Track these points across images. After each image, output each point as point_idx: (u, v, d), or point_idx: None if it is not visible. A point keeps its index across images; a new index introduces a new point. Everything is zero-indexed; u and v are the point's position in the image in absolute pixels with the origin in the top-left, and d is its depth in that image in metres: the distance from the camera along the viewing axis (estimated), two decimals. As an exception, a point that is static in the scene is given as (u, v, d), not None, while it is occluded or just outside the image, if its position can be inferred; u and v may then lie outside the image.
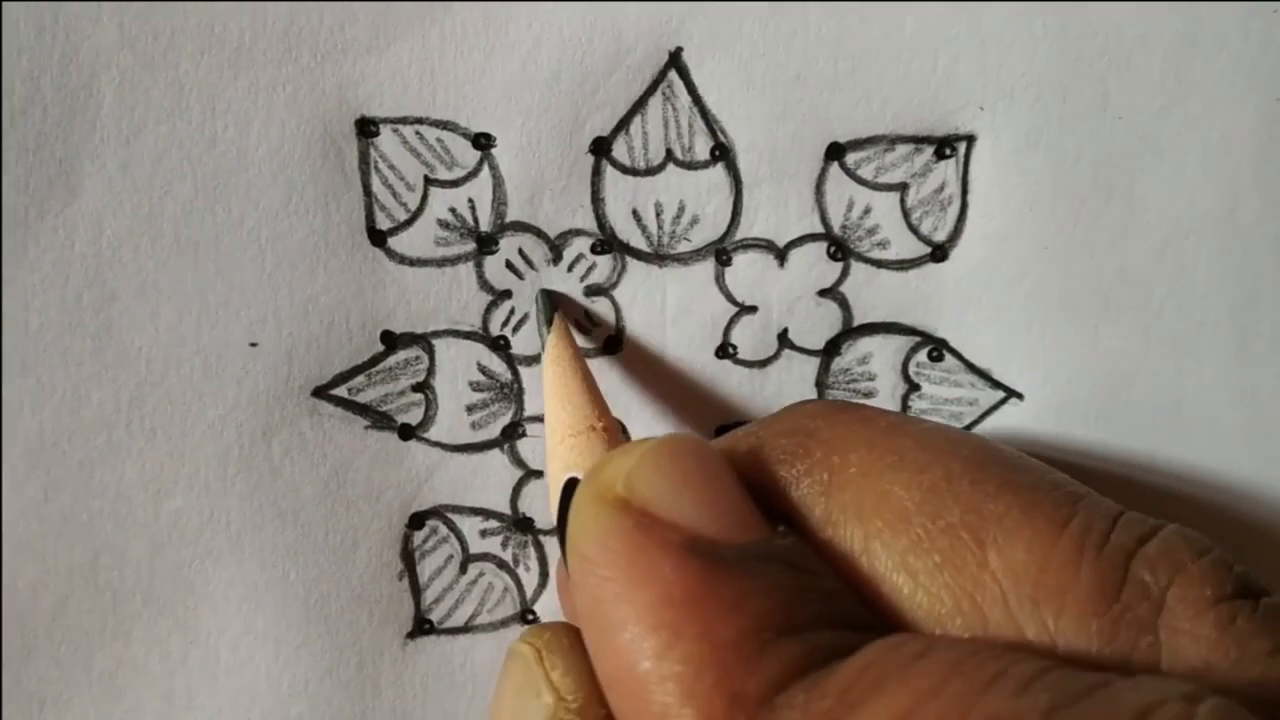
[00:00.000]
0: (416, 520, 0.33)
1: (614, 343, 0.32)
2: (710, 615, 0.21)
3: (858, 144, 0.32)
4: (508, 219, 0.31)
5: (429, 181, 0.31)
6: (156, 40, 0.29)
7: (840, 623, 0.22)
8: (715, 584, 0.22)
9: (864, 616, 0.23)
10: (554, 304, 0.32)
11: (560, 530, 0.27)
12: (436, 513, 0.33)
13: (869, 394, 0.33)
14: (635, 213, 0.32)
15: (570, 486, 0.27)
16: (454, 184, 0.31)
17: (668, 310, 0.32)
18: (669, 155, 0.32)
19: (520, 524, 0.33)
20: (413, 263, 0.31)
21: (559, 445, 0.28)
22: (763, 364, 0.33)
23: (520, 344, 0.32)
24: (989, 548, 0.22)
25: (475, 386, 0.32)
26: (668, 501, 0.23)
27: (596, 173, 0.31)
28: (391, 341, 0.32)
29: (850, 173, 0.32)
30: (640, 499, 0.23)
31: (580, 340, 0.32)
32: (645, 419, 0.33)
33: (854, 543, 0.23)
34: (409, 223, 0.31)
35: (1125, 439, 0.34)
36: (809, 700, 0.20)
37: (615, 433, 0.29)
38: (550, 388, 0.30)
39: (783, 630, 0.21)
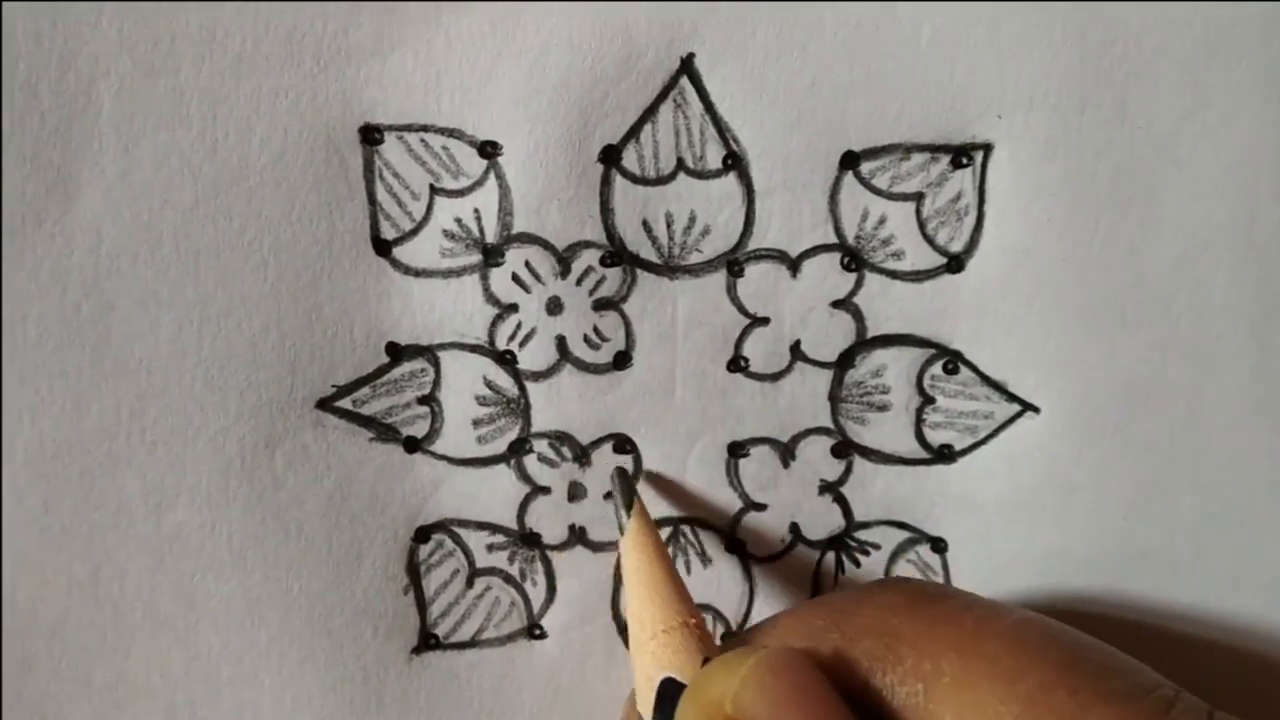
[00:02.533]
0: (422, 534, 0.32)
1: (623, 357, 0.32)
2: None
3: (873, 153, 0.31)
4: (514, 230, 0.31)
5: (434, 190, 0.31)
6: (156, 46, 0.29)
7: None
8: None
9: None
10: (631, 485, 0.32)
11: None
12: (443, 526, 0.32)
13: (883, 407, 0.33)
14: (645, 223, 0.31)
15: (667, 687, 0.27)
16: (460, 193, 0.31)
17: (679, 323, 0.32)
18: (680, 164, 0.31)
19: (527, 539, 0.33)
20: (418, 273, 0.31)
21: (650, 640, 0.28)
22: (775, 377, 0.32)
23: (527, 359, 0.32)
24: None
25: (481, 401, 0.32)
26: None
27: (606, 182, 0.31)
28: (396, 353, 0.31)
29: (865, 182, 0.31)
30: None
31: (590, 355, 0.32)
32: (657, 434, 0.32)
33: None
34: (414, 232, 0.31)
35: (1141, 452, 0.33)
36: None
37: (705, 629, 0.29)
38: (635, 576, 0.30)
39: None
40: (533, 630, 0.33)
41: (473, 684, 0.33)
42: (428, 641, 0.33)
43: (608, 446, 0.32)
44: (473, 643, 0.33)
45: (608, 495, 0.33)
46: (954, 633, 0.25)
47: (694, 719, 0.24)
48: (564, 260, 0.31)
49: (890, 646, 0.25)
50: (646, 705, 0.28)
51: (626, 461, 0.32)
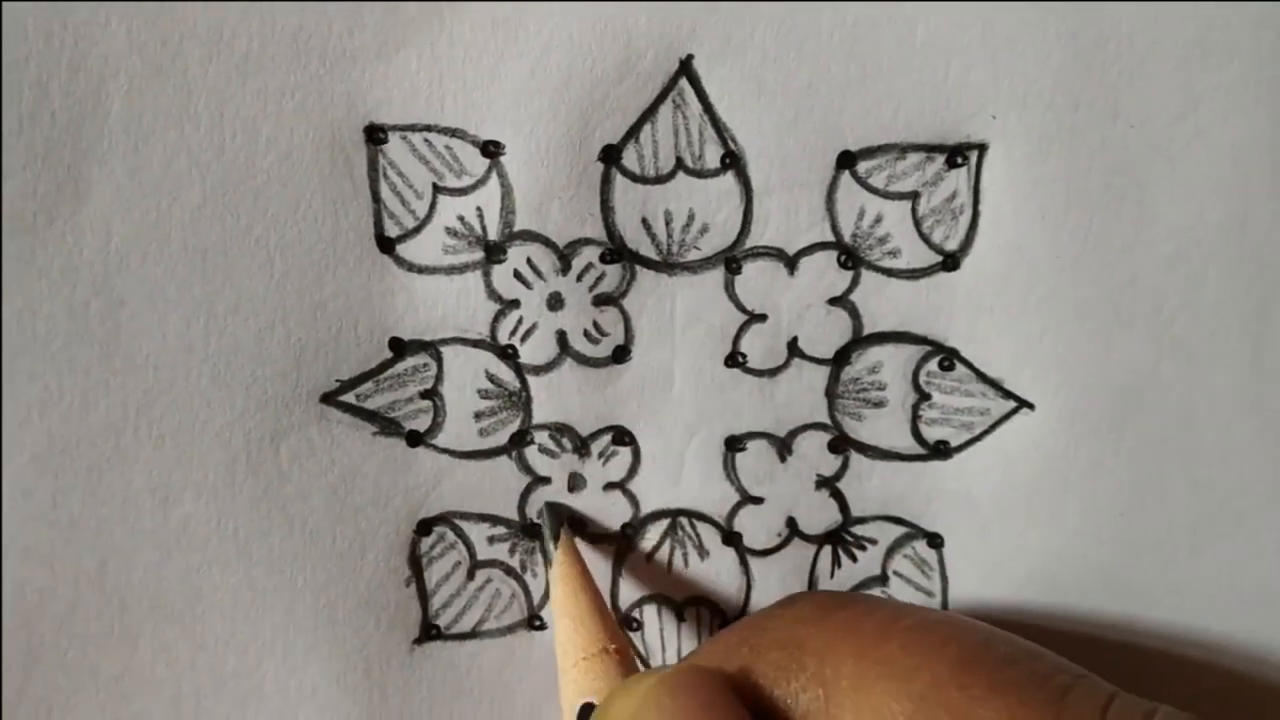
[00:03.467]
0: (424, 526, 0.32)
1: (623, 352, 0.32)
2: None
3: (869, 152, 0.32)
4: (516, 227, 0.31)
5: (437, 189, 0.31)
6: (165, 46, 0.29)
7: None
8: None
9: None
10: (560, 518, 0.32)
11: None
12: (444, 519, 0.33)
13: (879, 403, 0.33)
14: (645, 221, 0.32)
15: (585, 712, 0.28)
16: (462, 192, 0.31)
17: (677, 319, 0.32)
18: (679, 163, 0.31)
19: (528, 530, 0.33)
20: (421, 270, 0.31)
21: (572, 668, 0.29)
22: (772, 373, 0.33)
23: (528, 353, 0.32)
24: None
25: (483, 394, 0.32)
26: None
27: (606, 181, 0.31)
28: (400, 348, 0.32)
29: (861, 181, 0.32)
30: None
31: (590, 350, 0.32)
32: (655, 427, 0.33)
33: None
34: (417, 230, 0.31)
35: (1136, 449, 0.33)
36: None
37: (627, 654, 0.29)
38: (561, 606, 0.30)
39: None
40: (533, 621, 0.33)
41: (473, 674, 0.33)
42: (429, 632, 0.33)
43: (607, 438, 0.33)
44: (474, 634, 0.33)
45: (608, 486, 0.33)
46: (855, 637, 0.25)
47: None
48: (565, 257, 0.32)
49: (795, 656, 0.26)
50: None
51: (625, 453, 0.33)
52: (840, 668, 0.25)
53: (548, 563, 0.31)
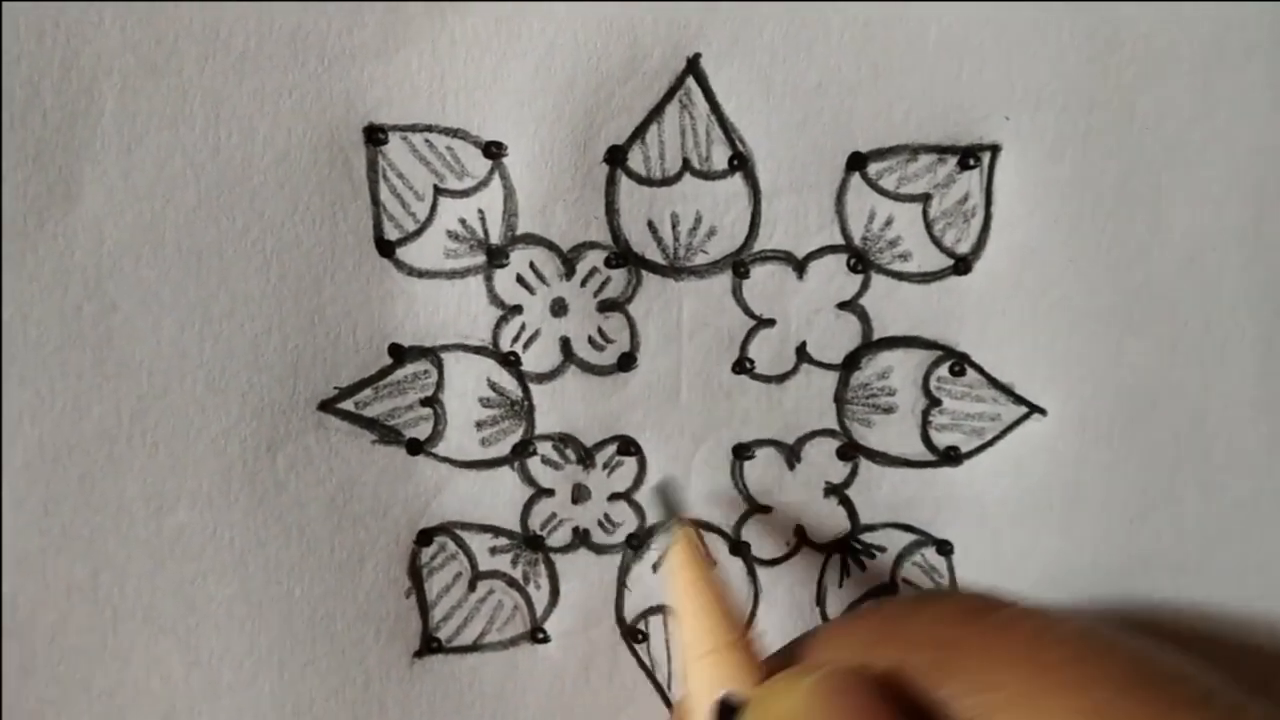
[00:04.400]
0: (424, 537, 0.32)
1: (628, 359, 0.32)
2: None
3: (880, 154, 0.31)
4: (519, 231, 0.31)
5: (438, 191, 0.30)
6: (159, 45, 0.29)
7: None
8: None
9: None
10: (671, 498, 0.31)
11: None
12: (445, 529, 0.32)
13: (889, 409, 0.33)
14: (651, 224, 0.31)
15: (725, 706, 0.27)
16: (464, 194, 0.30)
17: (684, 324, 0.32)
18: (686, 165, 0.31)
19: (531, 541, 0.32)
20: (421, 274, 0.31)
21: (701, 659, 0.28)
22: (781, 378, 0.32)
23: (531, 360, 0.31)
24: None
25: (485, 403, 0.32)
26: None
27: (611, 183, 0.31)
28: (399, 355, 0.31)
29: (872, 183, 0.31)
30: None
31: (594, 357, 0.32)
32: (662, 436, 0.32)
33: None
34: (418, 233, 0.31)
35: (1148, 455, 0.33)
36: None
37: (755, 647, 0.28)
38: (685, 595, 0.29)
39: None
40: (535, 634, 0.33)
41: (475, 688, 0.33)
42: (430, 645, 0.32)
43: (612, 448, 0.32)
44: (475, 646, 0.33)
45: (612, 497, 0.32)
46: (1011, 643, 0.25)
47: None
48: (569, 261, 0.31)
49: (948, 659, 0.25)
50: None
51: (631, 463, 0.32)
52: (1000, 675, 0.24)
53: (666, 548, 0.30)
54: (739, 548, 0.33)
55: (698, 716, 0.28)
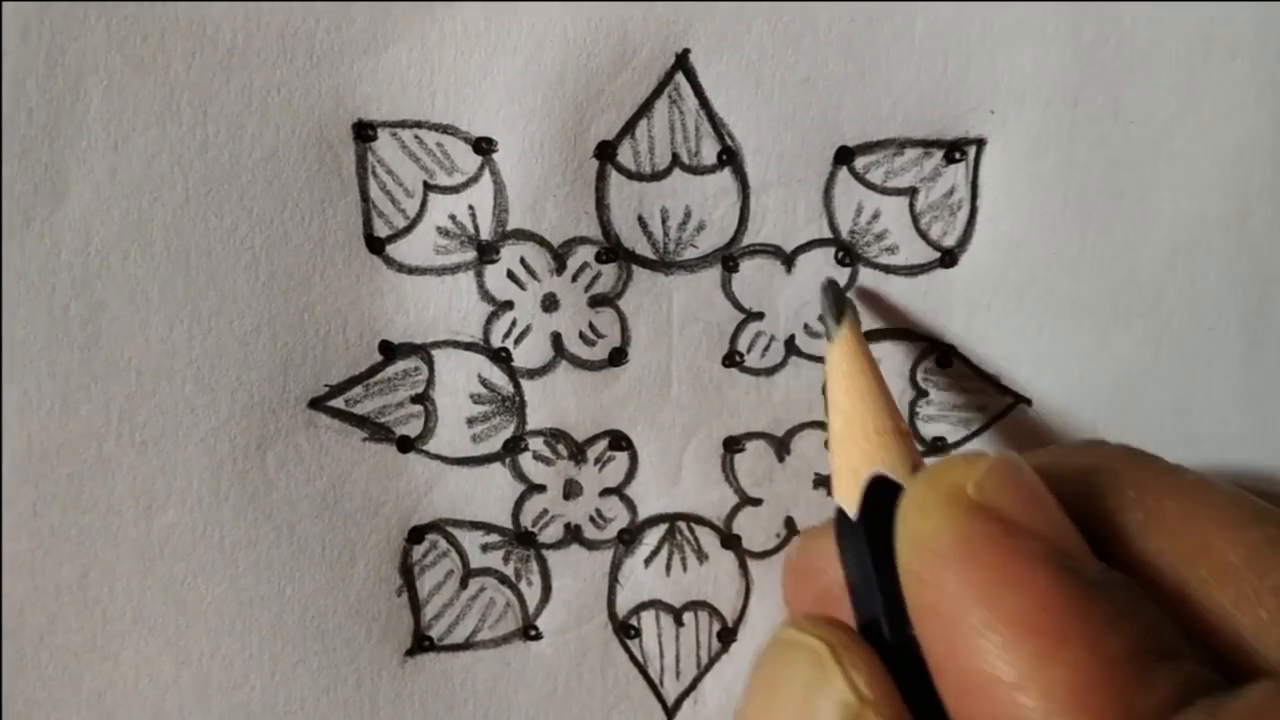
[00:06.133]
0: (416, 534, 0.32)
1: (619, 354, 0.32)
2: (1095, 629, 0.22)
3: (867, 147, 0.31)
4: (509, 227, 0.31)
5: (428, 187, 0.30)
6: (146, 41, 0.28)
7: (1194, 658, 0.23)
8: (1093, 599, 0.22)
9: (1202, 655, 0.23)
10: (842, 294, 0.31)
11: (870, 523, 0.27)
12: (436, 527, 0.32)
13: (876, 402, 0.33)
14: (641, 219, 0.31)
15: (878, 483, 0.27)
16: (454, 190, 0.30)
17: (674, 318, 0.32)
18: (675, 159, 0.31)
19: (522, 538, 0.32)
20: (411, 271, 0.31)
21: (861, 440, 0.28)
22: (770, 371, 0.32)
23: (522, 356, 0.31)
24: None
25: (476, 399, 0.32)
26: (1022, 514, 0.24)
27: (601, 178, 0.31)
28: (390, 352, 0.31)
29: (859, 177, 0.31)
30: (994, 507, 0.24)
31: (585, 352, 0.32)
32: (653, 430, 0.32)
33: (1172, 586, 0.24)
34: (408, 230, 0.30)
35: (1132, 444, 0.33)
36: None
37: (913, 440, 0.29)
38: (847, 381, 0.29)
39: (1161, 656, 0.22)
40: (528, 631, 0.33)
41: (467, 686, 0.33)
42: (422, 644, 0.32)
43: (604, 443, 0.32)
44: (467, 644, 0.32)
45: (604, 492, 0.32)
46: (1176, 481, 0.26)
47: (939, 503, 0.24)
48: (559, 257, 0.31)
49: (1113, 483, 0.26)
50: (851, 499, 0.27)
51: (622, 458, 0.32)
52: (1165, 501, 0.25)
53: (830, 339, 0.30)
54: (730, 540, 0.33)
55: (844, 489, 0.28)
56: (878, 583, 0.26)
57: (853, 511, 0.27)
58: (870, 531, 0.26)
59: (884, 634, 0.25)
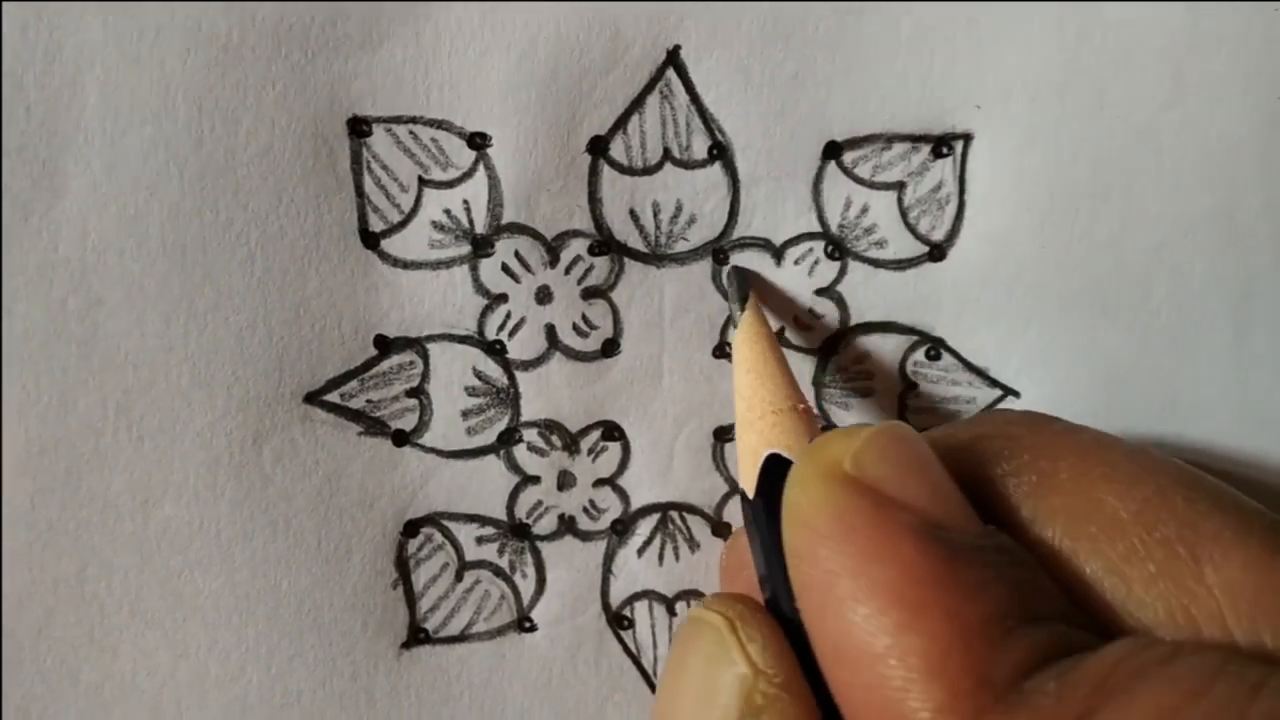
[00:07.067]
0: (411, 528, 0.32)
1: (612, 345, 0.32)
2: (956, 597, 0.22)
3: (855, 142, 0.32)
4: (504, 220, 0.31)
5: (423, 182, 0.31)
6: (142, 37, 0.29)
7: (1067, 618, 0.23)
8: (957, 567, 0.22)
9: (1080, 616, 0.23)
10: (747, 281, 0.32)
11: (764, 501, 0.27)
12: (431, 520, 0.32)
13: (866, 393, 0.33)
14: (633, 212, 0.31)
15: (773, 462, 0.27)
16: (449, 185, 0.31)
17: (665, 310, 0.32)
18: (666, 154, 0.31)
19: (517, 530, 0.32)
20: (406, 265, 0.31)
21: (759, 420, 0.28)
22: (761, 364, 0.33)
23: (517, 348, 0.32)
24: (1204, 563, 0.23)
25: (471, 392, 0.32)
26: (896, 485, 0.24)
27: (594, 172, 0.31)
28: (385, 346, 0.31)
29: (848, 171, 0.32)
30: (870, 479, 0.24)
31: (579, 344, 0.32)
32: (645, 421, 0.32)
33: (1062, 546, 0.24)
34: (402, 225, 0.31)
35: (1121, 435, 0.33)
36: (1062, 688, 0.21)
37: (812, 414, 0.29)
38: (747, 363, 0.29)
39: (1023, 619, 0.22)
40: (523, 623, 0.33)
41: (463, 678, 0.33)
42: (417, 636, 0.32)
43: (596, 434, 0.32)
44: (462, 637, 0.33)
45: (597, 483, 0.33)
46: (1072, 442, 0.26)
47: (815, 478, 0.24)
48: (553, 250, 0.31)
49: (1009, 447, 0.26)
50: (749, 479, 0.28)
51: (615, 448, 0.32)
52: (1058, 462, 0.25)
53: (733, 324, 0.31)
54: (721, 528, 0.33)
55: (745, 473, 0.28)
56: (774, 559, 0.26)
57: (751, 492, 0.28)
58: (766, 509, 0.27)
59: (784, 611, 0.26)
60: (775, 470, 0.27)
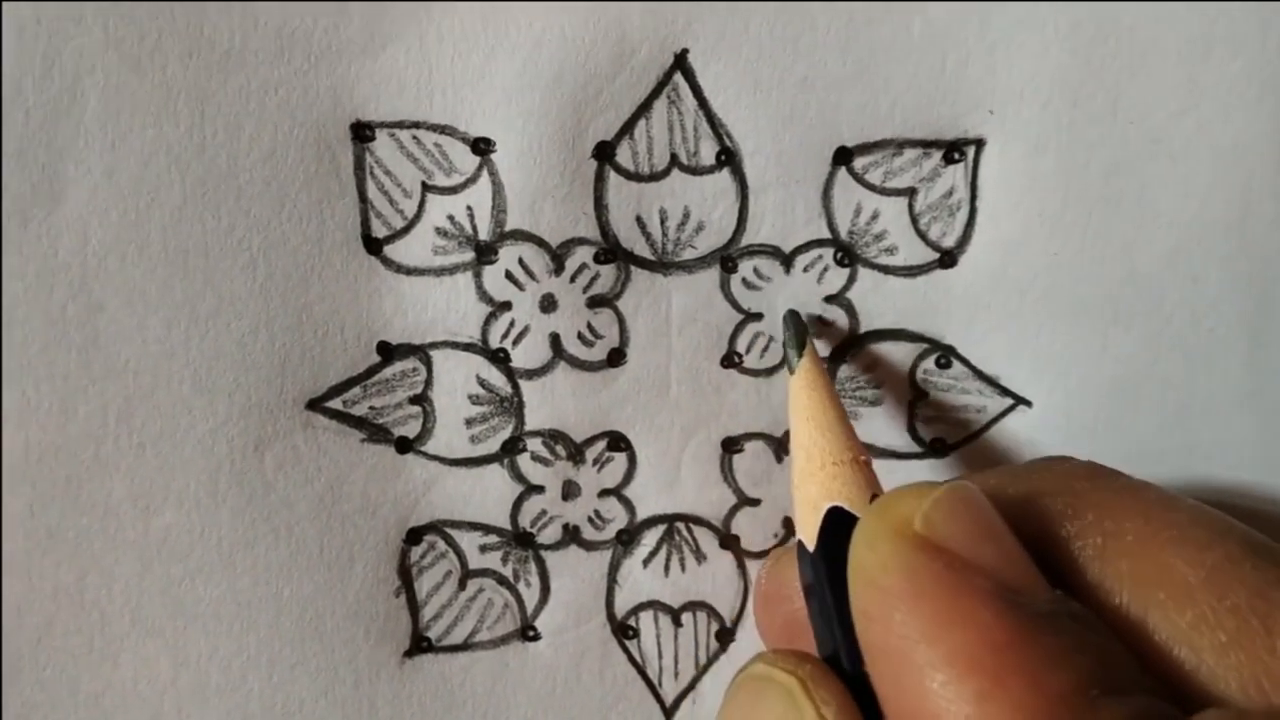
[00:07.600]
0: (414, 535, 0.32)
1: (618, 354, 0.32)
2: (1038, 665, 0.21)
3: (866, 148, 0.31)
4: (508, 227, 0.31)
5: (426, 188, 0.30)
6: (143, 41, 0.28)
7: (1146, 688, 0.22)
8: (1037, 634, 0.22)
9: (1157, 684, 0.23)
10: (804, 326, 0.31)
11: (827, 557, 0.27)
12: (435, 528, 0.32)
13: (876, 401, 0.33)
14: (639, 219, 0.31)
15: (835, 515, 0.27)
16: (452, 190, 0.30)
17: (673, 319, 0.32)
18: (674, 160, 0.31)
19: (521, 539, 0.32)
20: (409, 272, 0.31)
21: (819, 471, 0.28)
22: (769, 372, 0.32)
23: (521, 357, 0.31)
24: (1277, 635, 0.22)
25: (474, 400, 0.31)
26: (967, 547, 0.23)
27: (599, 178, 0.31)
28: (388, 353, 0.31)
29: (858, 177, 0.31)
30: (941, 539, 0.23)
31: (584, 353, 0.31)
32: (651, 431, 0.32)
33: (1130, 611, 0.24)
34: (406, 230, 0.30)
35: (1133, 447, 0.33)
36: None
37: (872, 468, 0.28)
38: (805, 412, 0.29)
39: (1107, 690, 0.21)
40: (526, 632, 0.33)
41: (466, 687, 0.32)
42: (420, 645, 0.32)
43: (602, 444, 0.32)
44: (465, 645, 0.32)
45: (603, 493, 0.32)
46: (1137, 502, 0.25)
47: (885, 536, 0.24)
48: (558, 257, 0.31)
49: (1072, 505, 0.25)
50: (809, 532, 0.27)
51: (621, 459, 0.32)
52: (1124, 524, 0.25)
53: (791, 371, 0.30)
54: (728, 540, 0.33)
55: (805, 525, 0.28)
56: (836, 617, 0.26)
57: (811, 545, 0.27)
58: (828, 564, 0.26)
59: (844, 667, 0.25)
60: (837, 524, 0.27)
